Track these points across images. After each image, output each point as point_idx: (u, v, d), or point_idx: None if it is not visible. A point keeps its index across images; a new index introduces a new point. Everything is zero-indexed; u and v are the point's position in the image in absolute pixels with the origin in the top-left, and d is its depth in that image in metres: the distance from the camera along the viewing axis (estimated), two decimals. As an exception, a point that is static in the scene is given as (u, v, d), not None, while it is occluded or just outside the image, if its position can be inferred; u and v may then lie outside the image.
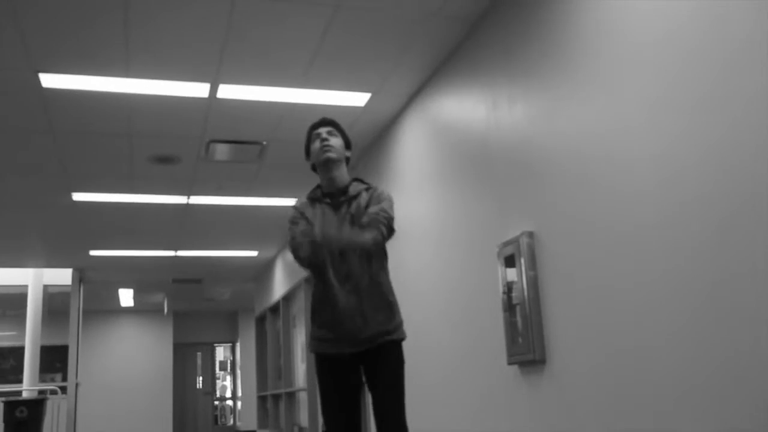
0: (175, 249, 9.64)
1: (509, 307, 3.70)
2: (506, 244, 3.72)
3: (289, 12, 3.93)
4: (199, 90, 4.79)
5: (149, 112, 5.10)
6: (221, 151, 5.93)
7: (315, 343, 2.85)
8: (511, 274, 3.68)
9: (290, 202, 7.68)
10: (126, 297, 13.87)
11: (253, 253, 10.30)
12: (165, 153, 5.96)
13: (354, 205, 2.86)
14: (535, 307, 3.48)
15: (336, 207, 2.87)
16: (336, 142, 2.93)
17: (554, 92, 3.37)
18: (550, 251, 3.42)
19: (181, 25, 4.00)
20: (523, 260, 3.56)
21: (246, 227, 8.71)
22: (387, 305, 2.83)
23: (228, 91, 4.83)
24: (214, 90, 4.79)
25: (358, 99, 5.11)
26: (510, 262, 3.69)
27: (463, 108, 4.36)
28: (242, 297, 14.21)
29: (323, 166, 2.91)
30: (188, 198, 7.30)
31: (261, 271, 11.76)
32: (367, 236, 2.72)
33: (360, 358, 2.79)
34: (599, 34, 3.04)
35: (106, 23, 3.92)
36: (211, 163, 6.21)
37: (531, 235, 3.55)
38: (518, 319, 3.60)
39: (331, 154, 2.89)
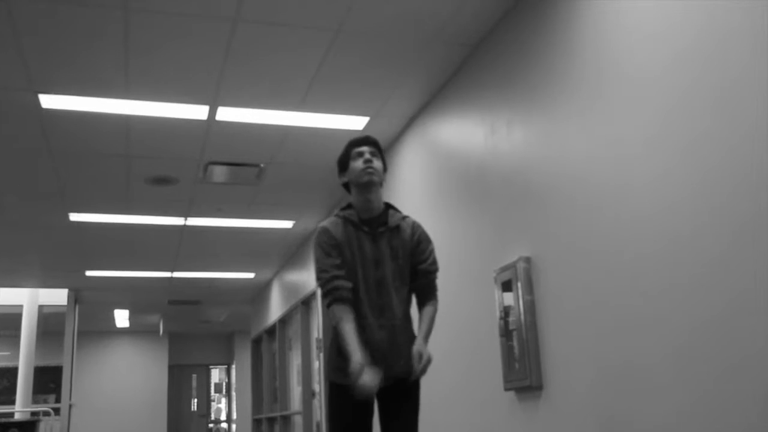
0: (172, 270, 9.61)
1: (506, 332, 3.68)
2: (503, 269, 3.72)
3: (289, 36, 3.95)
4: (198, 112, 4.80)
5: (148, 134, 5.11)
6: (219, 173, 5.94)
7: (339, 375, 2.66)
8: (508, 299, 3.67)
9: (288, 224, 7.68)
10: (121, 318, 13.81)
11: (250, 275, 10.28)
12: (163, 174, 5.96)
13: (396, 239, 2.75)
14: (531, 332, 3.47)
15: (375, 237, 2.73)
16: (378, 165, 2.77)
17: (552, 118, 3.38)
18: (547, 276, 3.41)
19: (181, 48, 4.02)
20: (520, 285, 3.55)
21: (243, 249, 8.70)
22: (412, 343, 2.70)
23: (227, 114, 4.84)
24: (213, 112, 4.80)
25: (357, 122, 5.12)
26: (507, 287, 3.68)
27: (461, 132, 4.37)
28: (238, 319, 14.15)
29: (363, 187, 2.74)
30: (186, 219, 7.30)
31: (257, 293, 11.72)
32: (433, 311, 2.80)
33: (382, 392, 2.64)
34: (598, 60, 3.05)
35: (106, 45, 3.94)
36: (209, 184, 6.21)
37: (528, 260, 3.55)
38: (515, 344, 3.58)
39: (375, 177, 2.74)
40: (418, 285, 2.80)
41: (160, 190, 6.32)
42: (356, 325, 2.61)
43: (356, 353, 2.50)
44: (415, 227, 2.84)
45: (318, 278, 2.72)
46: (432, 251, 2.85)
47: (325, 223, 2.81)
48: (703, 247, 2.45)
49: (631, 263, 2.82)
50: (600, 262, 3.02)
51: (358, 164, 2.75)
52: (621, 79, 2.90)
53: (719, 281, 2.37)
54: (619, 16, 2.92)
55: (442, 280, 4.55)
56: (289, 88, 4.54)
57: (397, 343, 2.67)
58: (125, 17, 3.70)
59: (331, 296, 2.65)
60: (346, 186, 2.85)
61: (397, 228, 2.78)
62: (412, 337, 2.73)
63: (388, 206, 2.85)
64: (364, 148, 2.78)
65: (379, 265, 2.70)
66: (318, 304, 7.74)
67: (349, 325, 2.58)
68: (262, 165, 5.83)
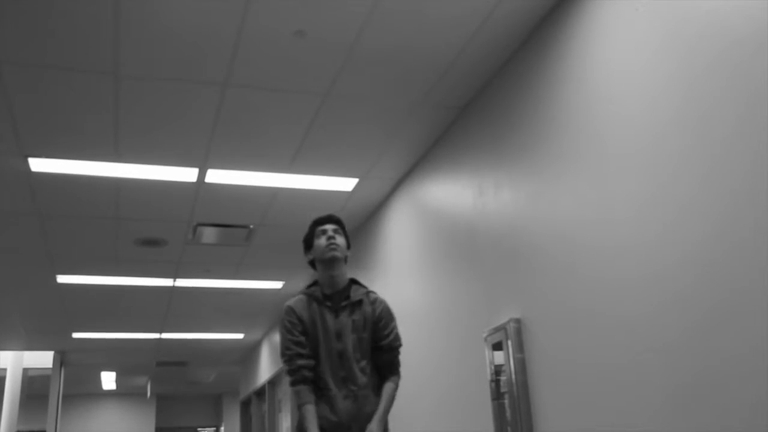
0: (160, 331, 9.52)
1: (498, 395, 3.63)
2: (494, 330, 3.69)
3: (278, 100, 3.99)
4: (187, 174, 4.82)
5: (137, 196, 5.12)
6: (208, 235, 5.93)
7: None
8: (499, 359, 3.63)
9: (277, 285, 7.64)
10: (108, 380, 13.60)
11: (239, 336, 10.18)
12: (152, 236, 5.95)
13: (358, 313, 2.88)
14: (523, 394, 3.43)
15: (337, 312, 2.87)
16: (341, 241, 2.94)
17: (540, 180, 3.41)
18: (537, 338, 3.39)
19: (170, 112, 4.05)
20: (510, 345, 3.52)
21: (232, 310, 8.63)
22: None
23: (216, 176, 4.86)
24: (202, 175, 4.82)
25: (346, 184, 5.15)
26: (498, 347, 3.65)
27: (449, 193, 4.39)
28: (227, 380, 13.96)
29: (327, 263, 2.89)
30: (174, 281, 7.25)
31: (247, 354, 11.59)
32: (393, 387, 2.87)
33: None
34: (586, 124, 3.09)
35: (96, 109, 3.97)
36: (198, 246, 6.19)
37: (518, 321, 3.53)
38: (507, 407, 3.54)
39: (337, 253, 2.89)
40: (380, 361, 2.90)
41: (149, 251, 6.29)
42: (321, 396, 2.77)
43: None
44: (378, 303, 2.95)
45: (282, 355, 2.85)
46: (394, 328, 2.97)
47: (290, 302, 2.95)
48: (689, 310, 2.45)
49: (618, 324, 2.81)
50: (589, 322, 3.01)
51: (321, 242, 2.91)
52: (609, 143, 2.94)
53: (705, 345, 2.36)
54: (608, 80, 2.97)
55: (432, 342, 4.53)
56: (278, 150, 4.57)
57: (363, 412, 2.77)
58: (115, 82, 3.74)
59: (293, 376, 2.79)
60: (312, 263, 3.00)
61: (360, 302, 2.91)
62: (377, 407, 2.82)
63: (353, 281, 2.99)
64: (327, 226, 2.95)
65: (340, 337, 2.82)
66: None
67: (310, 407, 2.74)
68: (251, 226, 5.83)
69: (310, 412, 2.72)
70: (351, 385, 2.78)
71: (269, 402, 9.94)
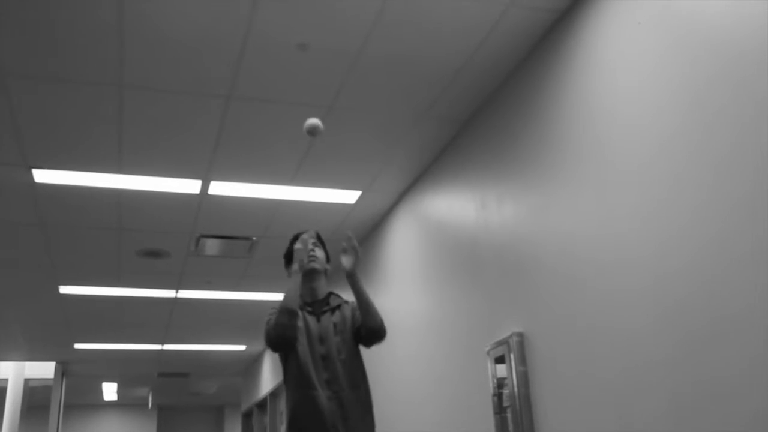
0: (162, 342, 9.50)
1: (500, 408, 3.62)
2: (497, 344, 3.68)
3: (281, 112, 4.01)
4: (190, 186, 4.82)
5: (140, 208, 5.12)
6: (211, 246, 5.93)
7: None
8: (502, 373, 3.62)
9: (279, 297, 7.62)
10: (110, 391, 13.57)
11: (241, 348, 10.16)
12: (154, 247, 5.96)
13: (337, 314, 2.91)
14: (526, 407, 3.41)
15: (318, 316, 2.89)
16: (320, 253, 2.98)
17: (543, 193, 3.41)
18: (540, 352, 3.38)
19: (174, 124, 4.06)
20: (513, 360, 3.51)
21: (234, 321, 8.62)
22: (367, 412, 2.84)
23: (219, 188, 4.87)
24: (205, 187, 4.83)
25: (349, 197, 5.15)
26: (500, 362, 3.64)
27: (452, 206, 4.39)
28: (229, 392, 13.93)
29: (307, 275, 2.90)
30: (177, 292, 7.25)
31: (248, 366, 11.56)
32: (379, 315, 2.85)
33: None
34: (590, 137, 3.10)
35: (100, 120, 3.98)
36: (200, 257, 6.19)
37: (521, 335, 3.52)
38: (509, 421, 3.52)
39: (316, 265, 2.93)
40: (364, 338, 2.88)
41: (152, 262, 6.29)
42: (305, 396, 2.74)
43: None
44: (353, 304, 2.95)
45: (267, 325, 2.81)
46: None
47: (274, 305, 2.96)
48: (691, 322, 2.44)
49: (620, 337, 2.80)
50: (591, 335, 3.00)
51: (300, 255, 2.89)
52: (611, 156, 2.94)
53: (706, 356, 2.36)
54: (611, 93, 2.98)
55: (435, 355, 4.52)
56: (281, 162, 4.58)
57: (349, 415, 2.74)
58: (119, 93, 3.75)
59: (275, 322, 2.76)
60: None
61: (339, 306, 2.95)
62: (364, 410, 2.81)
63: (331, 293, 3.02)
64: (305, 236, 2.97)
65: (323, 341, 2.83)
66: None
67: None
68: (254, 238, 5.83)
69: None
70: (335, 387, 2.76)
71: (271, 414, 9.91)
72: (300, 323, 2.83)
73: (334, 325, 2.87)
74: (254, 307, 7.99)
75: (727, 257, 2.32)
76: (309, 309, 2.90)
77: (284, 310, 2.72)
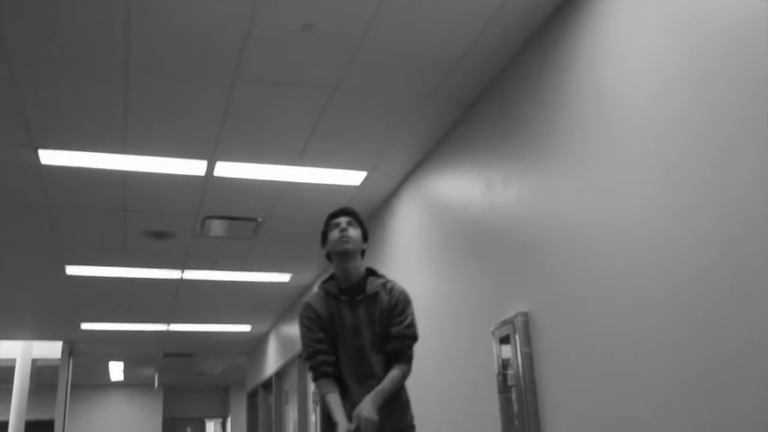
0: (168, 323, 9.56)
1: (505, 388, 3.65)
2: (502, 324, 3.70)
3: (287, 94, 4.00)
4: (196, 167, 4.83)
5: (146, 188, 5.14)
6: (216, 227, 5.95)
7: None
8: (506, 353, 3.64)
9: (284, 278, 7.67)
10: (116, 371, 13.67)
11: (246, 328, 10.21)
12: (160, 228, 5.98)
13: (375, 306, 2.83)
14: (530, 387, 3.44)
15: (353, 306, 2.82)
16: (354, 233, 2.89)
17: (548, 174, 3.41)
18: (545, 331, 3.39)
19: (179, 104, 4.06)
20: (518, 340, 3.53)
21: (240, 302, 8.66)
22: (402, 406, 2.81)
23: (225, 169, 4.88)
24: (211, 167, 4.84)
25: (354, 177, 5.16)
26: (505, 341, 3.66)
27: (458, 187, 4.40)
28: (234, 372, 14.02)
29: (340, 256, 2.85)
30: (182, 272, 7.28)
31: (254, 346, 11.63)
32: (398, 375, 2.75)
33: None
34: (595, 119, 3.09)
35: (106, 101, 3.99)
36: (206, 238, 6.21)
37: (526, 315, 3.53)
38: (514, 400, 3.55)
39: (349, 246, 2.85)
40: (389, 347, 2.81)
41: (158, 243, 6.32)
42: (341, 393, 2.73)
43: (342, 421, 2.62)
44: (394, 291, 2.89)
45: (303, 353, 2.84)
46: (408, 315, 2.88)
47: (308, 298, 2.93)
48: (697, 304, 2.45)
49: (626, 318, 2.82)
50: (596, 316, 3.01)
51: (334, 234, 2.88)
52: (616, 138, 2.94)
53: (712, 338, 2.37)
54: (616, 76, 2.97)
55: (440, 335, 4.54)
56: (286, 143, 4.58)
57: (384, 407, 2.69)
58: (126, 75, 3.75)
59: (315, 372, 2.77)
60: (329, 257, 2.95)
61: (375, 294, 2.85)
62: (398, 404, 2.78)
63: (370, 272, 2.94)
64: (341, 219, 2.92)
65: (357, 333, 2.78)
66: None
67: (333, 396, 2.70)
68: (259, 219, 5.85)
69: (334, 400, 2.69)
70: (370, 381, 2.72)
71: (276, 394, 9.98)
72: (333, 311, 2.81)
73: (369, 315, 2.80)
74: (260, 288, 8.03)
75: (733, 240, 2.32)
76: (344, 298, 2.84)
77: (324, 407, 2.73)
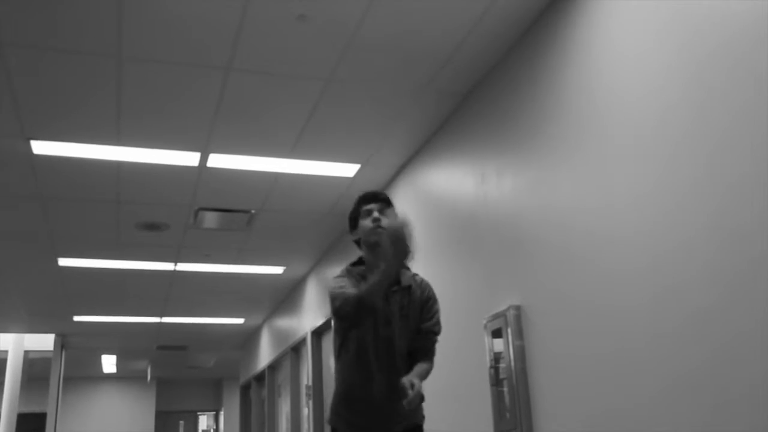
0: (161, 315, 9.54)
1: (497, 381, 3.65)
2: (494, 317, 3.70)
3: (281, 85, 3.99)
4: (189, 159, 4.81)
5: (138, 180, 5.12)
6: (210, 219, 5.93)
7: (341, 424, 2.70)
8: (499, 346, 3.65)
9: (278, 270, 7.66)
10: (109, 363, 13.65)
11: (240, 321, 10.21)
12: (153, 220, 5.96)
13: (407, 299, 2.70)
14: (522, 380, 3.44)
15: (386, 296, 2.63)
16: (387, 222, 2.68)
17: (542, 167, 3.41)
18: (537, 326, 3.40)
19: (173, 96, 4.05)
20: (510, 332, 3.53)
21: (233, 294, 8.65)
22: (421, 399, 2.64)
23: (218, 161, 4.86)
24: (204, 159, 4.82)
25: (348, 170, 5.15)
26: (497, 334, 3.66)
27: (451, 180, 4.39)
28: (227, 365, 14.01)
29: (373, 246, 2.66)
30: (175, 265, 7.27)
31: (247, 339, 11.62)
32: (427, 368, 2.66)
33: None
34: (589, 111, 3.09)
35: (98, 92, 3.96)
36: (199, 230, 6.20)
37: (518, 308, 3.54)
38: (506, 393, 3.55)
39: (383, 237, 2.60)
40: (416, 344, 2.70)
41: (151, 235, 6.30)
42: (360, 368, 2.61)
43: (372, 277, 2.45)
44: (425, 286, 2.79)
45: (334, 309, 2.59)
46: (437, 312, 2.78)
47: (339, 272, 2.74)
48: (689, 299, 2.46)
49: (617, 312, 2.82)
50: (588, 310, 3.02)
51: (366, 223, 2.69)
52: (610, 131, 2.94)
53: (703, 333, 2.37)
54: (610, 67, 2.97)
55: (432, 328, 4.54)
56: (280, 135, 4.57)
57: (401, 401, 2.53)
58: (118, 65, 3.73)
59: (339, 301, 2.54)
60: (357, 242, 2.79)
61: (409, 287, 2.73)
62: (422, 398, 2.61)
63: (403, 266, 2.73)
64: (373, 206, 2.72)
65: (389, 323, 2.63)
66: (308, 350, 7.67)
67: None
68: (252, 211, 5.83)
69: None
70: (393, 371, 2.59)
71: (269, 387, 9.98)
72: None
73: (401, 307, 2.66)
74: (253, 281, 8.02)
75: (727, 233, 2.32)
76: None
77: (361, 304, 2.44)
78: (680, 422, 2.48)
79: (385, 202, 2.76)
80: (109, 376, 15.00)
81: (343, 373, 2.70)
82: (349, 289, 2.55)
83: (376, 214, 2.69)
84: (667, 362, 2.55)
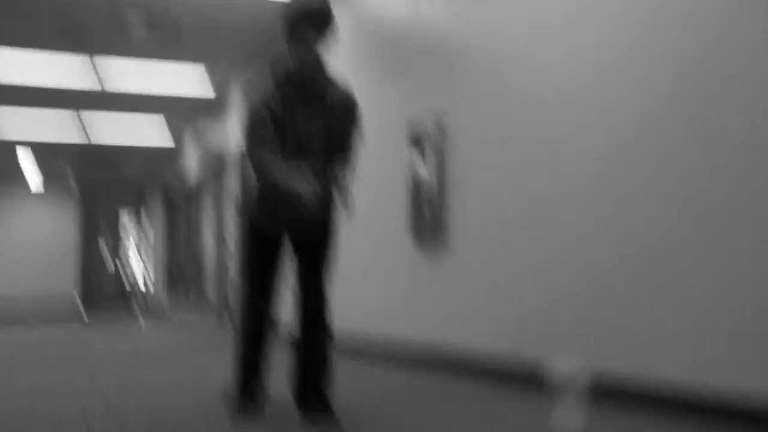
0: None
1: (416, 192, 3.92)
2: (416, 126, 3.89)
3: None
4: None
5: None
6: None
7: (258, 220, 2.68)
8: (420, 163, 3.87)
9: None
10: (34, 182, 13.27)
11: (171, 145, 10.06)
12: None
13: (327, 99, 2.60)
14: (439, 192, 3.69)
15: (307, 102, 2.58)
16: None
17: (476, -9, 3.41)
18: (459, 143, 3.56)
19: None
20: (430, 144, 3.75)
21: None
22: (319, 197, 2.52)
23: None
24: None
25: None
26: (419, 145, 3.87)
27: (384, 1, 4.37)
28: (152, 176, 13.96)
29: (302, 67, 2.52)
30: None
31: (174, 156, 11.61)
32: (346, 172, 2.62)
33: (296, 241, 2.71)
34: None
35: None
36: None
37: (440, 115, 3.69)
38: (424, 201, 3.82)
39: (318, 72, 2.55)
40: (336, 144, 2.66)
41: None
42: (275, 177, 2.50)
43: (296, 181, 2.43)
44: (349, 90, 2.68)
45: (247, 151, 2.57)
46: (359, 117, 2.71)
47: (259, 72, 2.64)
48: (616, 128, 2.56)
49: (547, 134, 2.93)
50: (513, 135, 3.15)
51: (301, 52, 2.51)
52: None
53: (631, 163, 2.48)
54: None
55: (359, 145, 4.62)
56: None
57: (318, 200, 2.54)
58: None
59: (255, 159, 2.54)
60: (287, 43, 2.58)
61: (327, 88, 2.63)
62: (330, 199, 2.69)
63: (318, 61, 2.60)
64: (310, 34, 2.50)
65: (309, 124, 2.58)
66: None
67: (278, 165, 2.49)
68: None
69: (281, 169, 2.45)
70: (309, 173, 2.56)
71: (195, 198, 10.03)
72: (287, 110, 2.54)
73: (322, 110, 2.59)
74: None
75: (649, 61, 2.41)
76: (298, 91, 2.57)
77: (269, 178, 2.46)
78: (600, 244, 2.67)
79: (325, 24, 2.51)
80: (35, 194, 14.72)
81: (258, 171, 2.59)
82: (268, 132, 2.52)
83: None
84: (595, 193, 2.66)
